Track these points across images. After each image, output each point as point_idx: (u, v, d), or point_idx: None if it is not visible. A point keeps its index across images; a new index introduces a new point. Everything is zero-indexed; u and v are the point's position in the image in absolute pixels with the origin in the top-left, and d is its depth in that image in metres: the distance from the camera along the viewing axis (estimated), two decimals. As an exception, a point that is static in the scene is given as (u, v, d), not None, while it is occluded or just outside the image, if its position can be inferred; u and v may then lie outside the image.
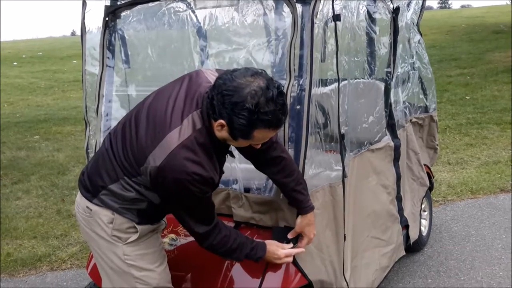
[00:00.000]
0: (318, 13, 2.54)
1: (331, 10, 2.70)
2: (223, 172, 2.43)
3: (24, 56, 24.95)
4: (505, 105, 9.39)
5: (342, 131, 2.89)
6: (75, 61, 21.50)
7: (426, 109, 4.41)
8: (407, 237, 3.95)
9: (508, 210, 5.21)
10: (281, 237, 2.64)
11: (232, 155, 2.50)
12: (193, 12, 3.30)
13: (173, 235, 2.85)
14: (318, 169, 2.80)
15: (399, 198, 3.79)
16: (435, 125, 4.50)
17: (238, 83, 2.05)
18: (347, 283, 3.02)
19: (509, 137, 7.65)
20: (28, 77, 18.96)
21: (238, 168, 2.82)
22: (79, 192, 2.49)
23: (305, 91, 2.56)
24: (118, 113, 3.16)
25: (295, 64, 2.56)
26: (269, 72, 2.77)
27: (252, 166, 2.67)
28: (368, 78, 3.49)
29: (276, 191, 2.66)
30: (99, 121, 3.11)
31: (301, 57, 2.58)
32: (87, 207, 2.42)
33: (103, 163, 2.39)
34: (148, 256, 2.46)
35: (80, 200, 2.47)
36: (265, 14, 2.82)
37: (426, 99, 4.39)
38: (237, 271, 2.65)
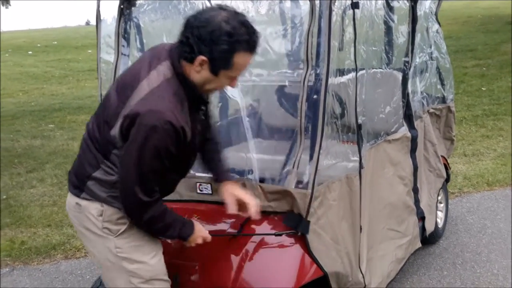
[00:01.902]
0: (337, 0, 2.50)
1: None
2: (201, 133, 2.37)
3: (39, 45, 25.04)
4: (522, 97, 9.26)
5: (360, 121, 2.85)
6: (90, 51, 21.53)
7: (443, 100, 4.35)
8: (423, 229, 3.91)
9: (523, 203, 5.13)
10: (293, 221, 2.61)
11: (206, 115, 2.44)
12: (209, 0, 3.26)
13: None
14: (335, 159, 2.77)
15: (415, 190, 3.75)
16: (452, 116, 4.44)
17: (209, 15, 2.09)
18: (362, 275, 2.99)
19: (526, 128, 7.55)
20: (43, 66, 19.02)
21: (253, 159, 2.79)
22: (68, 192, 2.46)
23: (322, 81, 2.52)
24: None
25: (313, 53, 2.52)
26: (285, 60, 2.74)
27: (266, 157, 2.65)
28: (385, 68, 3.44)
29: (288, 180, 2.63)
30: None
31: (318, 45, 2.54)
32: (76, 203, 2.38)
33: (84, 155, 2.37)
34: (142, 248, 2.40)
35: (70, 199, 2.44)
36: (281, 1, 2.78)
37: (444, 90, 4.33)
38: (252, 262, 2.63)
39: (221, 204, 2.79)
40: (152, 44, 3.20)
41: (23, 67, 18.73)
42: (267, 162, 2.71)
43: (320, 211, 2.67)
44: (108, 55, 3.15)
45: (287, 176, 2.68)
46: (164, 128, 2.08)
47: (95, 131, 2.32)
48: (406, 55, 3.51)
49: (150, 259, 2.41)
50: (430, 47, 4.09)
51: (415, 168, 3.70)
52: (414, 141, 3.63)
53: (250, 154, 2.79)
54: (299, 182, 2.62)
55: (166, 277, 2.49)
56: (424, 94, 3.99)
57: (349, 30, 2.70)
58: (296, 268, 2.62)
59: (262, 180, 2.77)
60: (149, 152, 2.11)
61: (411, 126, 3.63)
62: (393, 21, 3.40)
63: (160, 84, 2.14)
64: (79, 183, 2.38)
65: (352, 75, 2.78)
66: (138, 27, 3.20)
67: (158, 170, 2.19)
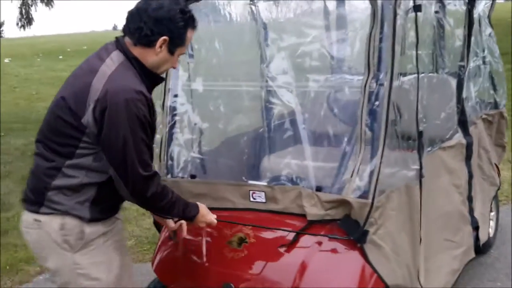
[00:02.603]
0: (401, 3, 2.41)
1: (411, 0, 2.56)
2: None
3: (68, 49, 25.33)
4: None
5: (421, 128, 2.75)
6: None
7: (496, 105, 4.21)
8: (476, 238, 3.78)
9: None
10: (349, 227, 2.52)
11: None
12: (254, 3, 3.20)
13: (241, 234, 2.75)
14: (394, 168, 2.66)
15: (470, 198, 3.63)
16: (504, 122, 4.29)
17: (159, 1, 2.27)
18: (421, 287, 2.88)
19: None
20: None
21: (310, 166, 2.71)
22: (23, 213, 2.40)
23: (383, 86, 2.43)
24: (183, 108, 3.09)
25: (374, 57, 2.43)
26: (345, 66, 2.66)
27: (323, 164, 2.57)
28: (441, 72, 3.33)
29: (347, 189, 2.54)
30: (165, 116, 3.05)
31: (379, 50, 2.45)
32: (34, 220, 2.33)
33: (38, 169, 2.34)
34: (101, 265, 2.37)
35: (26, 217, 2.38)
36: (340, 5, 2.70)
37: (497, 95, 4.19)
38: (311, 270, 2.54)
39: (276, 212, 2.73)
40: (203, 49, 3.19)
41: (55, 71, 18.92)
42: (323, 170, 2.63)
43: (379, 221, 2.57)
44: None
45: (344, 184, 2.60)
46: (138, 98, 2.18)
47: (48, 136, 2.31)
48: (462, 59, 3.40)
49: (107, 276, 2.38)
50: (483, 51, 3.96)
51: (470, 176, 3.58)
52: (469, 148, 3.51)
53: (306, 162, 2.71)
54: (358, 191, 2.54)
55: None
56: (477, 99, 3.86)
57: (411, 34, 2.61)
58: (356, 278, 2.53)
59: (318, 189, 2.69)
60: (132, 123, 2.17)
61: (466, 133, 3.51)
62: (449, 24, 3.29)
63: (118, 67, 2.25)
64: (37, 197, 2.33)
65: (413, 79, 2.67)
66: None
67: (146, 140, 2.25)
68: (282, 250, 2.61)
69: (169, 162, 3.09)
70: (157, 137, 3.11)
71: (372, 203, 2.48)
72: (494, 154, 4.26)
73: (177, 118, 3.07)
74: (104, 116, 2.15)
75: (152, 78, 2.38)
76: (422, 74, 2.84)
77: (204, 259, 2.74)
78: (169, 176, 3.09)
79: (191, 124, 3.09)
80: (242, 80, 3.01)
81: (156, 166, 3.13)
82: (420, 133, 2.74)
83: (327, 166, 2.74)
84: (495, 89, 4.18)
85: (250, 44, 3.13)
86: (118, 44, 2.33)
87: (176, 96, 3.07)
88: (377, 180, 2.47)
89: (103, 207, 2.37)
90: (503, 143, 4.37)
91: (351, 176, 2.52)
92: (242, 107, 3.14)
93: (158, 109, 3.00)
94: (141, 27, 2.26)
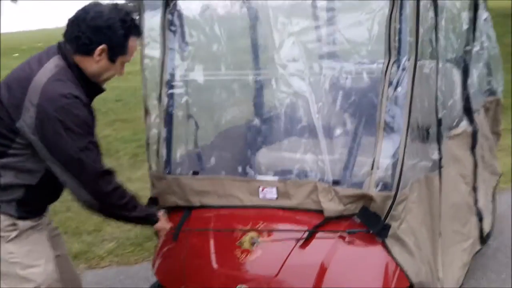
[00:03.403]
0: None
1: None
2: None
3: (24, 47, 24.58)
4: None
5: (440, 115, 2.60)
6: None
7: (493, 92, 4.11)
8: (480, 229, 3.68)
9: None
10: (368, 220, 2.38)
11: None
12: None
13: (253, 234, 2.56)
14: (414, 158, 2.51)
15: (475, 189, 3.52)
16: (500, 109, 4.20)
17: (98, 9, 2.26)
18: (440, 283, 2.75)
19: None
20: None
21: (326, 160, 2.54)
22: None
23: (406, 71, 2.28)
24: (182, 99, 2.88)
25: (396, 41, 2.27)
26: (363, 51, 2.49)
27: (340, 157, 2.41)
28: (451, 56, 3.19)
29: (368, 183, 2.38)
30: (161, 109, 2.84)
31: (400, 33, 2.29)
32: None
33: None
34: (34, 253, 2.39)
35: None
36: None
37: (494, 81, 4.09)
38: (333, 269, 2.37)
39: (288, 209, 2.56)
40: (203, 36, 2.97)
41: (9, 70, 18.25)
42: (340, 163, 2.47)
43: (402, 215, 2.42)
44: (153, 51, 2.87)
45: (363, 177, 2.44)
46: (73, 102, 2.17)
47: None
48: (467, 44, 3.27)
49: (43, 264, 2.40)
50: (482, 36, 3.85)
51: (475, 166, 3.47)
52: (475, 136, 3.40)
53: (322, 156, 2.53)
54: (380, 184, 2.38)
55: (60, 285, 2.48)
56: (479, 86, 3.75)
57: (430, 15, 2.45)
58: (382, 277, 2.37)
59: (336, 183, 2.52)
60: (74, 124, 2.16)
61: (471, 120, 3.40)
62: (456, 7, 3.16)
63: (57, 72, 2.22)
64: None
65: (433, 64, 2.52)
66: (182, 18, 2.92)
67: (91, 139, 2.24)
68: (299, 249, 2.44)
69: (168, 158, 2.87)
70: (154, 131, 2.90)
71: (395, 195, 2.33)
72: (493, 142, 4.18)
73: (175, 110, 2.85)
74: (43, 123, 2.16)
75: (91, 87, 2.36)
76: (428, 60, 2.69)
77: (213, 261, 2.55)
78: (169, 173, 2.87)
79: (191, 116, 2.88)
80: (246, 69, 2.79)
81: (153, 163, 2.91)
82: (439, 121, 2.60)
83: (342, 158, 2.57)
84: (492, 75, 4.07)
85: (259, 29, 2.91)
86: (60, 49, 2.31)
87: (173, 87, 2.85)
88: (401, 171, 2.32)
89: (30, 209, 2.38)
90: (499, 130, 4.28)
91: (372, 169, 2.36)
92: (246, 98, 2.92)
93: (154, 101, 2.78)
94: (79, 36, 2.25)
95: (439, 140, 2.64)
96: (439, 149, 2.64)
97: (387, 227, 2.37)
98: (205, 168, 2.88)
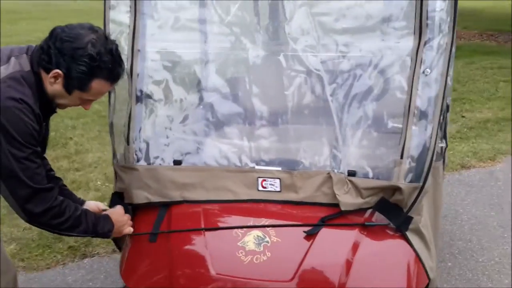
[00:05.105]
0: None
1: None
2: (45, 143, 2.30)
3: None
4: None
5: (447, 101, 2.46)
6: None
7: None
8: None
9: (478, 186, 5.12)
10: (388, 212, 2.20)
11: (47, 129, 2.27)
12: None
13: (258, 232, 2.22)
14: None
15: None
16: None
17: (78, 32, 2.05)
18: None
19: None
20: None
21: (340, 148, 2.28)
22: None
23: (440, 52, 2.09)
24: (159, 75, 2.45)
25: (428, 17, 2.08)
26: (385, 28, 2.25)
27: (358, 146, 2.19)
28: None
29: (397, 174, 2.17)
30: (133, 85, 2.39)
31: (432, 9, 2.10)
32: None
33: None
34: None
35: None
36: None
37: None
38: (354, 273, 2.12)
39: (294, 203, 2.28)
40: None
41: None
42: (357, 153, 2.23)
43: (420, 207, 2.25)
44: (121, 14, 2.40)
45: (386, 168, 2.23)
46: (24, 107, 1.98)
47: None
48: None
49: None
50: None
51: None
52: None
53: (335, 143, 2.27)
54: (410, 174, 2.19)
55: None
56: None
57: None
58: (406, 275, 2.17)
59: (351, 174, 2.28)
60: (17, 131, 1.96)
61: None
62: None
63: (17, 72, 2.05)
64: None
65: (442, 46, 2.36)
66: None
67: (35, 149, 2.04)
68: (316, 247, 2.15)
69: (142, 145, 2.43)
70: (121, 111, 2.45)
71: (422, 187, 2.15)
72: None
73: (150, 87, 2.42)
74: None
75: (45, 102, 2.12)
76: None
77: (212, 266, 2.17)
78: (141, 162, 2.43)
79: (171, 96, 2.46)
80: (243, 41, 2.41)
81: (119, 150, 2.46)
82: (447, 107, 2.45)
83: (361, 147, 2.32)
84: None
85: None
86: (32, 52, 2.12)
87: (146, 59, 2.42)
88: (430, 162, 2.13)
89: None
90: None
91: (401, 158, 2.15)
92: (242, 75, 2.54)
93: (124, 76, 2.32)
94: (43, 48, 2.06)
95: (444, 128, 2.49)
96: (445, 137, 2.50)
97: (409, 220, 2.19)
98: (190, 157, 2.46)
